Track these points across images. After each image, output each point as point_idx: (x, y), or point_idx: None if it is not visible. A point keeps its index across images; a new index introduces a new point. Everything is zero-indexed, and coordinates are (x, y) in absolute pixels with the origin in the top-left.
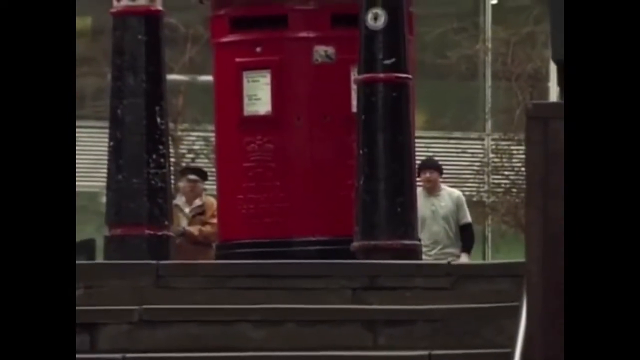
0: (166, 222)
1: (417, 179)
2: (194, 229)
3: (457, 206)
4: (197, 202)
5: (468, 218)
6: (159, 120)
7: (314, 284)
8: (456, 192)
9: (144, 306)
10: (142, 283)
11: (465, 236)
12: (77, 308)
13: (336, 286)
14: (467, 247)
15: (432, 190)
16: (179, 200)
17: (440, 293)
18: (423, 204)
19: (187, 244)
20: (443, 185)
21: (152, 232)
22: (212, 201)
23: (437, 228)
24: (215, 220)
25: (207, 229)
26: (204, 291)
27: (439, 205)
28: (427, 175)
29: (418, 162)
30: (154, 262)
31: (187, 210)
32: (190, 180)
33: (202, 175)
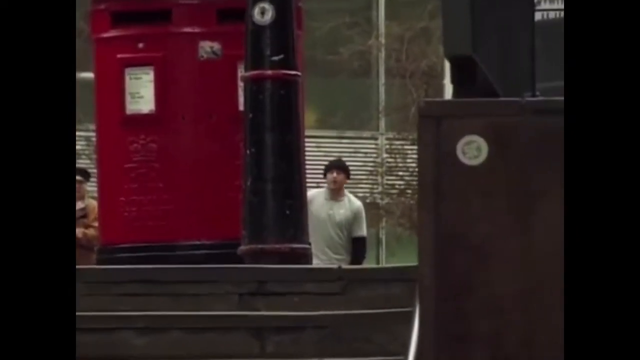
0: None
1: (323, 179)
2: (77, 232)
3: (355, 217)
4: (80, 204)
5: (364, 232)
6: None
7: (200, 290)
8: (357, 202)
9: None
10: None
11: (356, 249)
12: None
13: (222, 292)
14: (356, 261)
15: (336, 193)
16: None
17: (330, 298)
18: (321, 205)
19: None
20: (347, 192)
21: None
22: (95, 204)
23: (331, 233)
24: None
25: (91, 232)
26: (86, 298)
27: (337, 211)
28: (334, 175)
29: (309, 162)
30: None
31: None
32: None
33: (86, 176)
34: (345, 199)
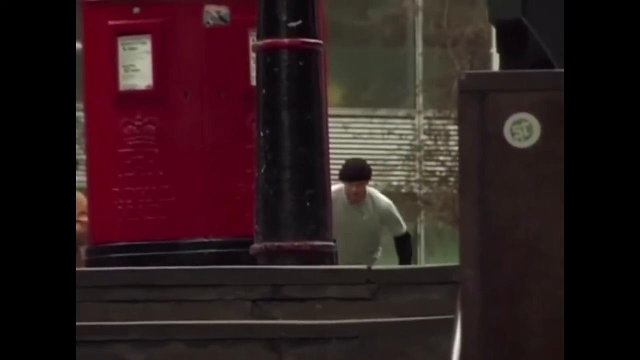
0: None
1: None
2: None
3: (384, 219)
4: None
5: (402, 227)
6: None
7: (206, 295)
8: (384, 202)
9: None
10: None
11: (401, 249)
12: None
13: (232, 297)
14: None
15: (356, 200)
16: None
17: (358, 304)
18: (340, 212)
19: None
20: (370, 189)
21: None
22: (81, 197)
23: (355, 239)
24: (86, 219)
25: (77, 228)
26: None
27: (359, 217)
28: (354, 189)
29: (333, 146)
30: None
31: None
32: None
33: None
34: (369, 200)
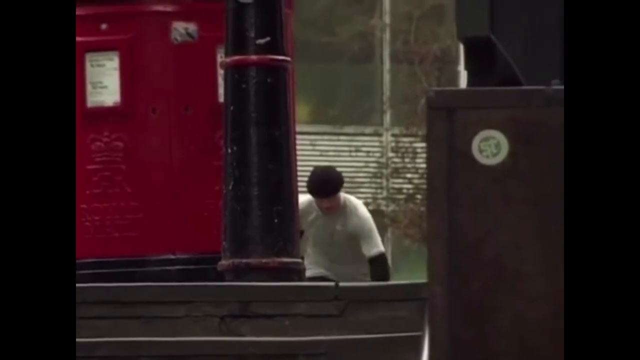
0: None
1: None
2: None
3: (355, 234)
4: None
5: (378, 247)
6: None
7: (174, 312)
8: (358, 215)
9: None
10: None
11: (374, 271)
12: None
13: (200, 314)
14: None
15: (330, 213)
16: None
17: (326, 321)
18: (314, 222)
19: None
20: (345, 196)
21: None
22: None
23: (334, 250)
24: None
25: None
26: None
27: (333, 228)
28: (325, 204)
29: (301, 163)
30: None
31: None
32: None
33: None
34: (346, 209)
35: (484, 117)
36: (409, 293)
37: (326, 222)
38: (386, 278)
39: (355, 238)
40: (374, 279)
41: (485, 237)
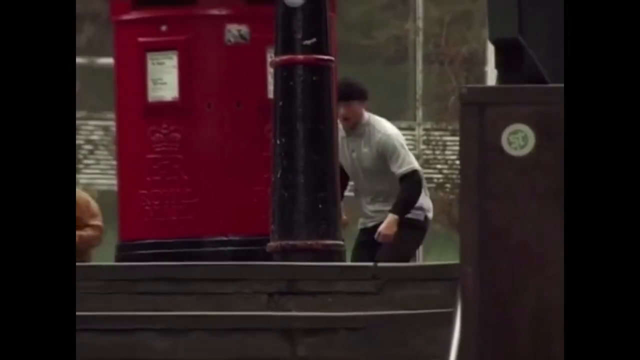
0: None
1: None
2: None
3: (381, 154)
4: None
5: (403, 166)
6: None
7: (226, 289)
8: (382, 131)
9: None
10: None
11: (401, 191)
12: None
13: (250, 291)
14: (395, 209)
15: (354, 126)
16: None
17: (365, 298)
18: (342, 147)
19: None
20: (371, 117)
21: None
22: (85, 198)
23: (364, 184)
24: (96, 222)
25: (88, 232)
26: (103, 296)
27: (359, 150)
28: (342, 111)
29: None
30: None
31: None
32: None
33: None
34: (366, 129)
35: (512, 112)
36: (441, 273)
37: (351, 144)
38: (411, 199)
39: (383, 158)
40: (398, 198)
41: (513, 223)
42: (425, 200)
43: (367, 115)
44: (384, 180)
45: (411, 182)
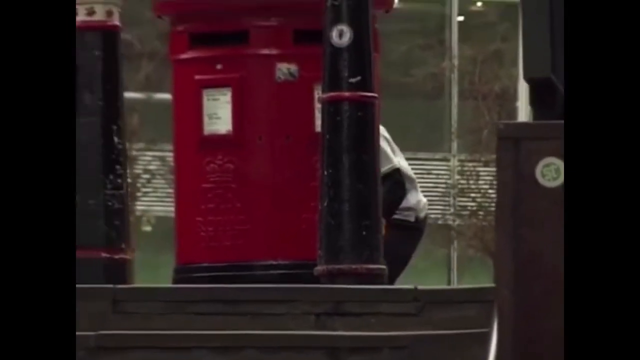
0: (123, 245)
1: None
2: None
3: None
4: None
5: (383, 165)
6: (115, 139)
7: (276, 309)
8: None
9: (100, 332)
10: (99, 308)
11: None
12: None
13: (299, 311)
14: (385, 207)
15: None
16: None
17: (406, 319)
18: None
19: None
20: None
21: (108, 256)
22: None
23: None
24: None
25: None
26: (162, 316)
27: None
28: None
29: None
30: (110, 286)
31: None
32: None
33: None
34: None
35: (546, 146)
36: (477, 296)
37: None
38: (392, 200)
39: None
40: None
41: (545, 249)
42: (415, 200)
43: None
44: None
45: (392, 183)
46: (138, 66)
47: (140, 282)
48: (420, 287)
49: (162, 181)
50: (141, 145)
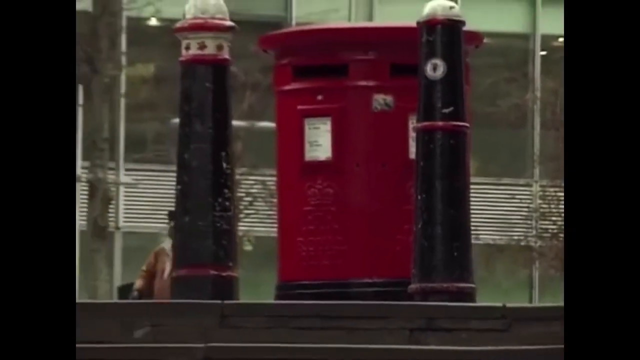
0: (230, 264)
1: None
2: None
3: None
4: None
5: None
6: (224, 165)
7: (372, 325)
8: None
9: (209, 344)
10: (207, 322)
11: None
12: (143, 345)
13: (394, 327)
14: None
15: None
16: (167, 244)
17: (494, 335)
18: None
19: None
20: None
21: (216, 273)
22: (164, 255)
23: None
24: (165, 274)
25: (158, 283)
26: (267, 330)
27: None
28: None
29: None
30: (218, 302)
31: None
32: None
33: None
34: None
35: None
36: (561, 313)
37: None
38: None
39: None
40: None
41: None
42: None
43: None
44: None
45: None
46: (242, 96)
47: (242, 298)
48: (507, 304)
49: (263, 203)
50: (244, 169)
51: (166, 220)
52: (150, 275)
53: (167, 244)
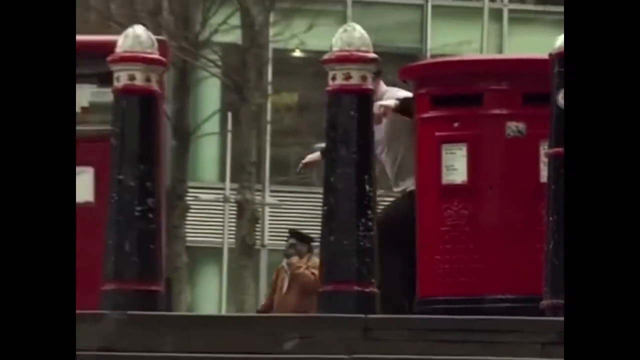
0: (372, 280)
1: None
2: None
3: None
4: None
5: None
6: (367, 188)
7: (506, 338)
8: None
9: (353, 355)
10: (351, 335)
11: None
12: (292, 357)
13: (527, 341)
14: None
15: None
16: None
17: None
18: None
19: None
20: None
21: (360, 289)
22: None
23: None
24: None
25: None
26: (408, 343)
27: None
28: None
29: None
30: (362, 315)
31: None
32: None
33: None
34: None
35: None
36: None
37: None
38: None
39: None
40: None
41: None
42: None
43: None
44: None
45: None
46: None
47: None
48: None
49: None
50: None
51: (291, 239)
52: (273, 291)
53: (286, 262)
